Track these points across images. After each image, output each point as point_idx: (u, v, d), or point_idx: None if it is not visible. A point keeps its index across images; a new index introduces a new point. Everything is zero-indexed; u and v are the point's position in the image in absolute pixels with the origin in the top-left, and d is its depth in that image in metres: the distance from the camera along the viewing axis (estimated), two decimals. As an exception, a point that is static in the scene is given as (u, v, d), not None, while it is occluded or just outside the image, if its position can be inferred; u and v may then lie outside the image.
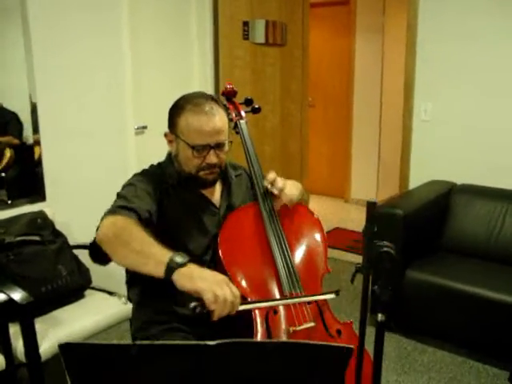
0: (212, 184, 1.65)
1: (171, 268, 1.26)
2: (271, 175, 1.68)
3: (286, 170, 4.00)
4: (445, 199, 3.19)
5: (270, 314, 1.53)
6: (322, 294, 1.60)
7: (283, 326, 1.52)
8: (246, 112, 1.86)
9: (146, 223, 1.45)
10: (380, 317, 1.25)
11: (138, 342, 0.86)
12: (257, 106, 1.89)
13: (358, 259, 4.08)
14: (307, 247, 1.69)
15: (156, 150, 3.21)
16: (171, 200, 1.61)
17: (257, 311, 1.52)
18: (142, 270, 1.32)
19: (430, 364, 2.65)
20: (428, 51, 3.37)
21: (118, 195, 1.55)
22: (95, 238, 1.43)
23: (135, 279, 1.70)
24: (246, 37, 3.47)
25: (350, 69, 5.47)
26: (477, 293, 2.63)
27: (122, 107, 2.95)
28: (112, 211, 1.44)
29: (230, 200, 1.73)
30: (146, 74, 3.12)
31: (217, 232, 1.64)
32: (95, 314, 2.21)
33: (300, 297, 1.56)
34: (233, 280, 1.51)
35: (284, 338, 1.51)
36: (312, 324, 1.54)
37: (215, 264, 1.58)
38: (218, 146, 1.57)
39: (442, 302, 2.74)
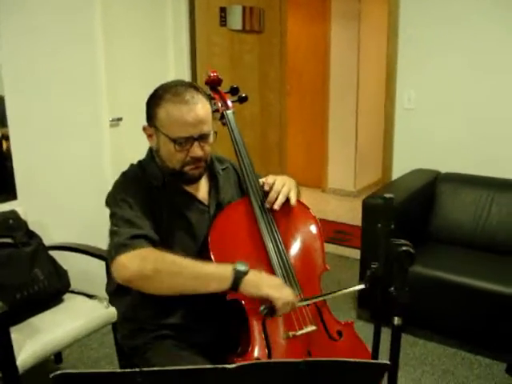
0: (198, 179, 1.54)
1: (238, 279, 1.31)
2: (270, 179, 1.58)
3: (265, 161, 3.91)
4: (430, 188, 3.14)
5: (266, 319, 1.43)
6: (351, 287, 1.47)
7: (282, 330, 1.43)
8: (232, 102, 1.73)
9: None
10: (397, 320, 1.17)
11: (146, 369, 0.74)
12: (244, 95, 1.77)
13: (341, 251, 4.03)
14: (304, 245, 1.59)
15: (132, 143, 3.08)
16: (158, 203, 1.49)
17: (253, 316, 1.42)
18: (201, 291, 1.33)
19: (422, 357, 2.60)
20: (410, 37, 3.29)
21: (120, 218, 1.41)
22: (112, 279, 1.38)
23: (121, 291, 1.57)
24: (223, 23, 3.34)
25: (325, 56, 5.38)
26: (465, 283, 2.59)
27: (96, 98, 2.79)
28: (126, 245, 1.33)
29: (218, 197, 1.61)
30: (121, 63, 2.96)
31: (207, 232, 1.52)
32: (76, 319, 2.06)
33: (336, 291, 1.45)
34: None
35: (283, 344, 1.42)
36: (314, 328, 1.45)
37: None
38: (202, 138, 1.44)
39: (431, 293, 2.69)
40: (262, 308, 1.35)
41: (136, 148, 3.08)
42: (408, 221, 2.91)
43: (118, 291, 1.58)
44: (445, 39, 3.19)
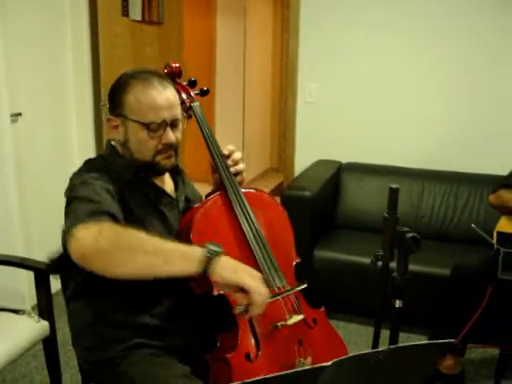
0: (169, 170, 1.48)
1: (210, 258, 1.15)
2: (231, 147, 1.56)
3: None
4: (335, 178, 3.31)
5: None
6: (297, 285, 1.51)
7: (270, 321, 1.41)
8: (195, 95, 1.69)
9: None
10: (398, 303, 1.23)
11: None
12: (205, 88, 1.73)
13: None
14: (280, 237, 1.59)
15: (34, 140, 2.82)
16: (133, 197, 1.40)
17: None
18: (165, 272, 1.17)
19: (346, 337, 2.74)
20: (311, 32, 3.42)
21: (77, 198, 1.28)
22: (61, 255, 1.20)
23: (82, 290, 1.44)
24: (125, 13, 3.18)
25: (211, 51, 5.38)
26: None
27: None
28: (83, 220, 1.18)
29: (186, 191, 1.58)
30: (17, 54, 2.68)
31: (177, 227, 1.48)
32: (4, 341, 1.82)
33: (288, 290, 1.45)
34: (213, 282, 1.36)
35: (272, 336, 1.41)
36: (302, 316, 1.46)
37: None
38: (174, 124, 1.40)
39: (348, 277, 2.84)
40: (238, 307, 1.21)
41: (38, 145, 2.85)
42: (320, 211, 3.05)
43: (75, 294, 1.46)
44: (345, 34, 3.37)
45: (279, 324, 1.41)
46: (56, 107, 2.98)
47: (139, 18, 3.34)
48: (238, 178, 1.56)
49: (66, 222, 1.27)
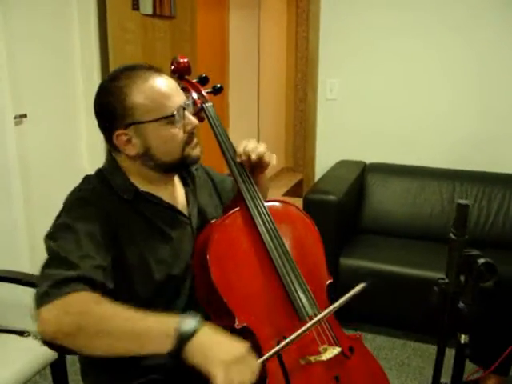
0: (198, 160, 1.31)
1: (182, 342, 0.97)
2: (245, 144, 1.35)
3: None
4: (360, 179, 3.12)
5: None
6: (352, 290, 1.27)
7: (301, 355, 1.23)
8: (207, 93, 1.50)
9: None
10: (464, 338, 1.04)
11: None
12: (219, 86, 1.54)
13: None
14: (310, 256, 1.41)
15: (40, 143, 2.65)
16: (132, 222, 1.22)
17: (266, 343, 1.21)
18: (137, 354, 1.01)
19: (374, 352, 2.56)
20: (333, 26, 3.23)
21: (53, 253, 1.10)
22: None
23: None
24: (135, 7, 3.00)
25: (224, 47, 5.18)
26: (402, 272, 2.61)
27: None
28: (49, 294, 1.01)
29: (198, 202, 1.39)
30: (23, 53, 2.51)
31: (190, 249, 1.30)
32: (9, 365, 1.66)
33: (325, 312, 1.23)
34: (235, 312, 1.20)
35: (304, 372, 1.22)
36: (339, 349, 1.27)
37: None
38: (186, 108, 1.25)
39: (375, 286, 2.66)
40: None
41: (44, 148, 2.68)
42: (345, 215, 2.86)
43: None
44: (367, 26, 3.18)
45: (312, 358, 1.22)
46: (64, 107, 2.81)
47: (150, 11, 3.15)
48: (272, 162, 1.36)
49: (40, 278, 1.08)
